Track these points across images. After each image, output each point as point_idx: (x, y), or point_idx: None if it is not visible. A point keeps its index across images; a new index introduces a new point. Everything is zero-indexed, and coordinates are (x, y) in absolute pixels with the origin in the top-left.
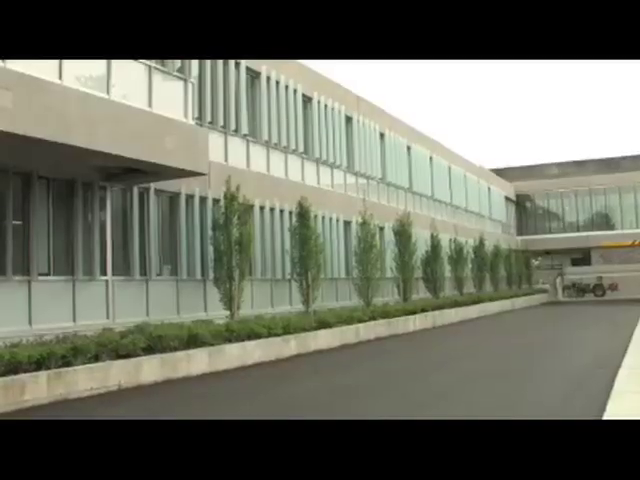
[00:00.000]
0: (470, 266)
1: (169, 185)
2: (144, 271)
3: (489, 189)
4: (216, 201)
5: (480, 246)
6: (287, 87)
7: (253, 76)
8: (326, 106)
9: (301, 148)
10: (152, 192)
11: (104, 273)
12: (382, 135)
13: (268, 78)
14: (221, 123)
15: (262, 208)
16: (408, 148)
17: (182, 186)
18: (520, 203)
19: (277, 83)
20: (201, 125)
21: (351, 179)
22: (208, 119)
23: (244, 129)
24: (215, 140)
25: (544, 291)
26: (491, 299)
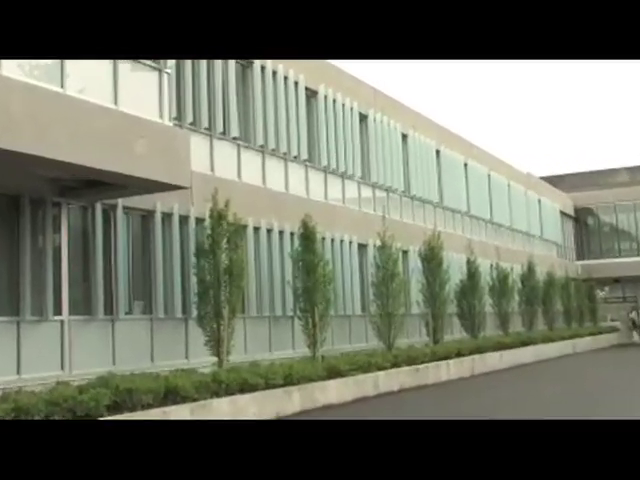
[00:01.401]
0: (517, 299)
1: (141, 201)
2: (110, 309)
3: (540, 202)
4: (200, 221)
5: (529, 274)
6: (286, 79)
7: (244, 66)
8: (335, 102)
9: (305, 154)
10: (119, 210)
11: (58, 312)
12: (405, 136)
13: (263, 68)
14: (205, 124)
15: (257, 229)
16: (437, 152)
17: (157, 202)
18: (580, 219)
19: (274, 74)
20: (180, 126)
21: (367, 192)
22: (189, 119)
23: (234, 131)
24: (198, 145)
25: (614, 330)
26: (545, 340)
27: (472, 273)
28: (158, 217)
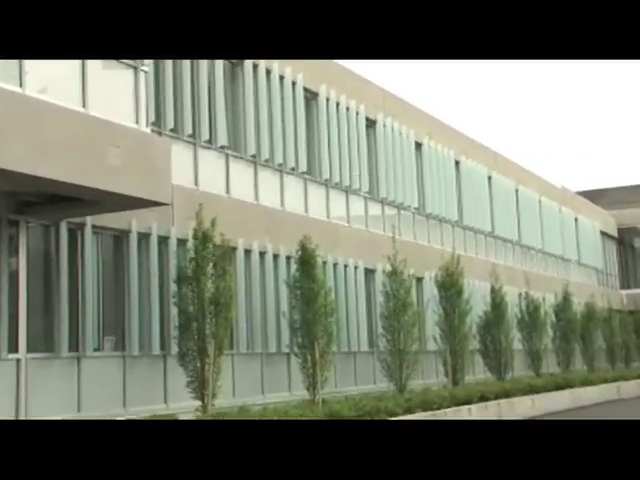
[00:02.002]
0: (551, 334)
1: (114, 220)
2: (75, 345)
3: (576, 220)
4: (182, 242)
5: (565, 304)
6: (282, 79)
7: (234, 64)
8: (338, 105)
9: (303, 166)
10: (88, 230)
11: (14, 349)
12: (419, 145)
13: (255, 66)
14: (189, 130)
15: (248, 252)
16: (456, 163)
17: (133, 221)
18: (624, 240)
19: (268, 73)
20: (160, 133)
21: (375, 209)
22: (170, 124)
23: (222, 139)
24: (181, 154)
25: None
26: (585, 383)
27: (497, 303)
28: (133, 238)
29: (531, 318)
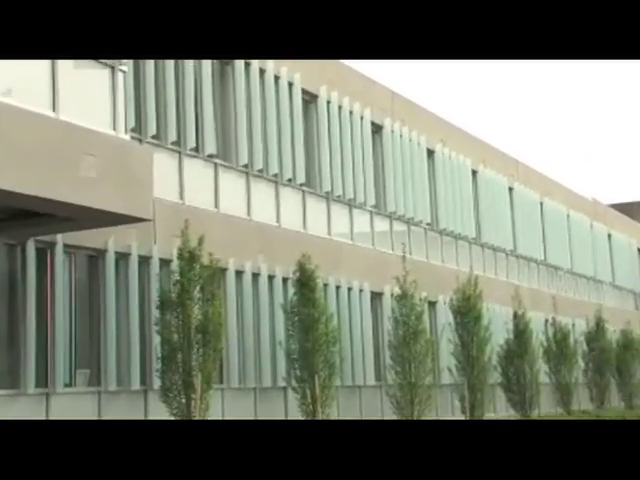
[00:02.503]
0: (582, 365)
1: (88, 238)
2: (44, 380)
3: (610, 237)
4: (166, 263)
5: (598, 332)
6: (278, 79)
7: (223, 63)
8: (341, 108)
9: (302, 177)
10: (59, 249)
11: None
12: (431, 153)
13: (247, 65)
14: (173, 137)
15: (240, 273)
16: (473, 173)
17: (109, 239)
18: None
19: (262, 73)
20: (140, 140)
21: (382, 225)
22: (152, 131)
23: (210, 147)
24: (164, 164)
25: None
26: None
27: (521, 331)
28: (110, 258)
29: (559, 347)
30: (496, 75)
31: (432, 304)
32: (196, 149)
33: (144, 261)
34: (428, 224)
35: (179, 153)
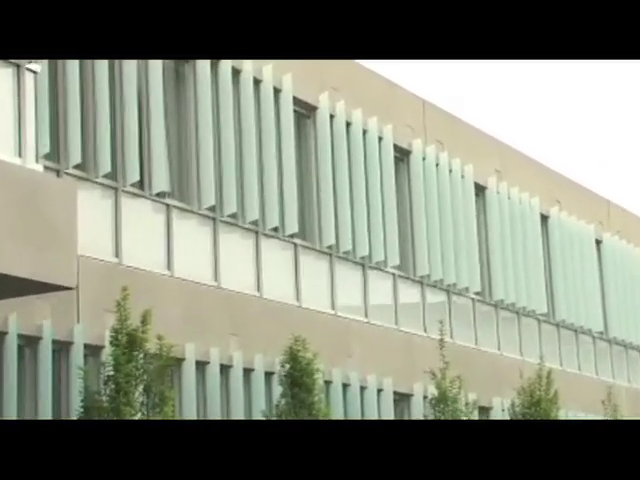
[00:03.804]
0: None
1: None
2: None
3: None
4: (94, 350)
5: None
6: (259, 82)
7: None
8: (349, 125)
9: (293, 224)
10: None
11: None
12: (481, 190)
13: (214, 66)
14: (106, 168)
15: (203, 365)
16: (543, 218)
17: (10, 317)
18: None
19: (235, 74)
20: (58, 172)
21: (410, 293)
22: (75, 159)
23: (160, 182)
24: (94, 206)
25: None
26: None
27: None
28: (11, 343)
29: None
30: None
31: (484, 410)
32: (140, 185)
33: (61, 348)
34: (477, 293)
35: (115, 191)
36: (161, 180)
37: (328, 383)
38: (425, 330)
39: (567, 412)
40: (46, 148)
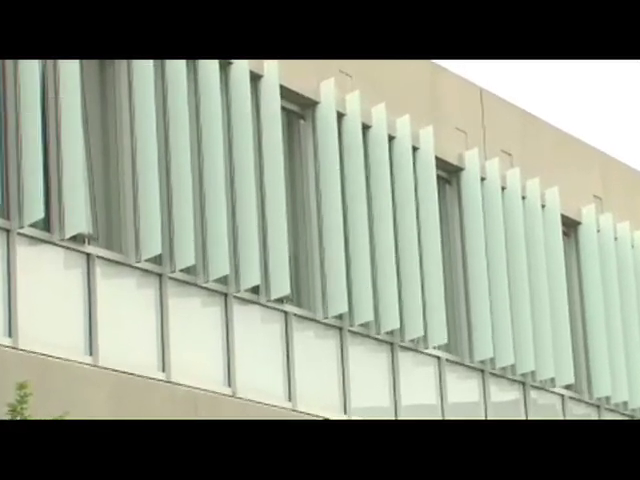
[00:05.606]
0: None
1: None
2: None
3: None
4: None
5: None
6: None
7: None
8: (363, 130)
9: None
10: None
11: None
12: (571, 228)
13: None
14: None
15: None
16: None
17: None
18: None
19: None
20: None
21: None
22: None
23: (79, 224)
24: None
25: None
26: None
27: None
28: None
29: None
30: None
31: None
32: (46, 227)
33: None
34: (610, 399)
35: (7, 233)
36: (79, 221)
37: None
38: None
39: None
40: None
